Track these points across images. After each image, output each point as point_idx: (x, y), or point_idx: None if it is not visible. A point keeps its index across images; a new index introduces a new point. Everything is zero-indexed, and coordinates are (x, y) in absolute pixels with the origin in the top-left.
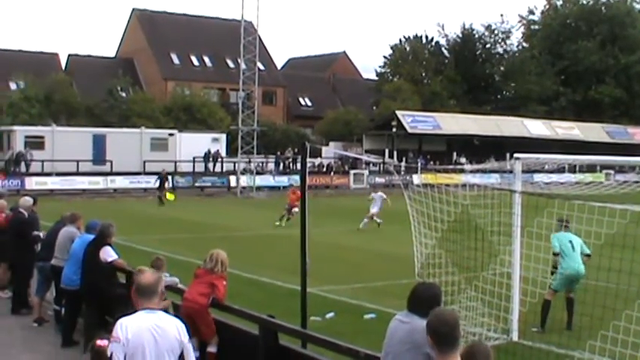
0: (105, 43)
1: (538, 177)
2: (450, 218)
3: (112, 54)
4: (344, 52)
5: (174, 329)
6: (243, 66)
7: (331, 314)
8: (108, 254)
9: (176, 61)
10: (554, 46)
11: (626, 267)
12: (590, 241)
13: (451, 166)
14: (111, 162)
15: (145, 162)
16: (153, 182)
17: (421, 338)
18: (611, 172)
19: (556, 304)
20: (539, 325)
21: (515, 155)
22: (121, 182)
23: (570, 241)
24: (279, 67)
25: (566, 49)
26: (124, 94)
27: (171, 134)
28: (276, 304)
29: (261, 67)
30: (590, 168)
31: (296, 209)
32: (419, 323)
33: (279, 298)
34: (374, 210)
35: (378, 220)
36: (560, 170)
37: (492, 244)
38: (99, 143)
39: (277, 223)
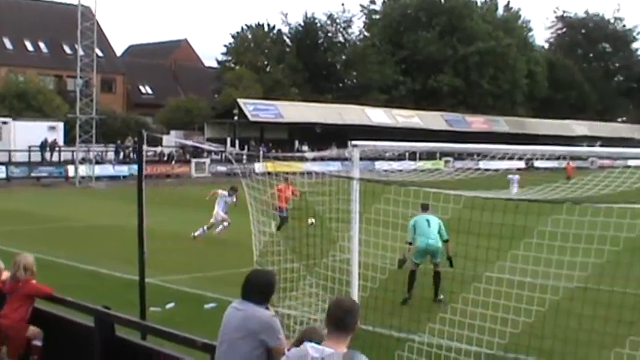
0: None
1: (379, 164)
2: (289, 206)
3: None
4: (185, 39)
5: None
6: (80, 52)
7: (171, 304)
8: None
9: (9, 46)
10: (394, 36)
11: (460, 251)
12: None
13: (291, 154)
14: None
15: None
16: None
17: (256, 325)
18: (450, 159)
19: (396, 288)
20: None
21: (353, 143)
22: None
23: (427, 220)
24: (118, 54)
25: (407, 38)
26: None
27: (4, 122)
28: (116, 296)
29: (100, 54)
30: (430, 155)
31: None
32: (253, 310)
33: (119, 290)
34: (221, 213)
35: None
36: (401, 157)
37: (331, 231)
38: None
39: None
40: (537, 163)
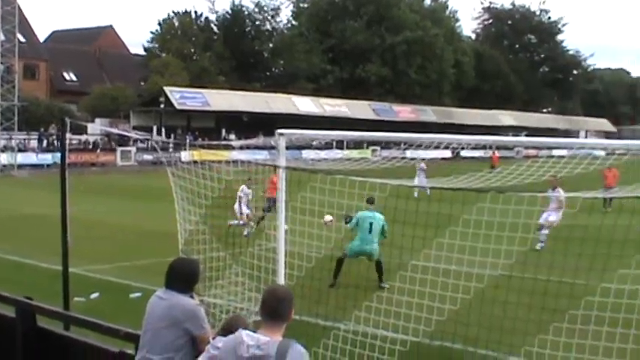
0: None
1: (306, 153)
2: (214, 194)
3: None
4: (111, 25)
5: None
6: (1, 37)
7: (96, 294)
8: None
9: None
10: (322, 25)
11: (387, 240)
12: (352, 213)
13: (218, 143)
14: None
15: None
16: None
17: (180, 314)
18: (377, 148)
19: (322, 276)
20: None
21: (279, 131)
22: None
23: (371, 223)
24: (41, 40)
25: (334, 27)
26: None
27: None
28: (41, 287)
29: (22, 39)
30: (357, 144)
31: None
32: (177, 299)
33: (44, 281)
34: (246, 210)
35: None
36: (328, 146)
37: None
38: None
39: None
40: (464, 153)
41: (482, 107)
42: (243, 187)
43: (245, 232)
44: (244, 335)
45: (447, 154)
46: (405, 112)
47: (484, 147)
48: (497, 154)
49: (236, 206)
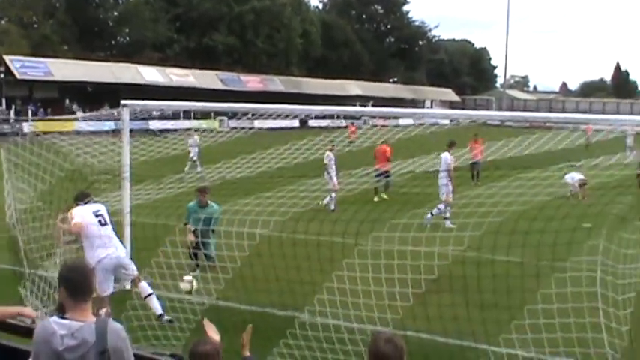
0: None
1: (153, 124)
2: (55, 168)
3: None
4: None
5: None
6: None
7: None
8: None
9: None
10: None
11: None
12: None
13: (61, 116)
14: None
15: None
16: None
17: None
18: (225, 118)
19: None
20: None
21: (123, 102)
22: None
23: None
24: None
25: None
26: None
27: None
28: None
29: None
30: (205, 115)
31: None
32: None
33: None
34: (335, 179)
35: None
36: (175, 117)
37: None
38: None
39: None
40: (312, 122)
41: (329, 77)
42: (328, 153)
43: (325, 201)
44: (54, 324)
45: (295, 123)
46: (252, 81)
47: (332, 117)
48: (354, 127)
49: (326, 176)
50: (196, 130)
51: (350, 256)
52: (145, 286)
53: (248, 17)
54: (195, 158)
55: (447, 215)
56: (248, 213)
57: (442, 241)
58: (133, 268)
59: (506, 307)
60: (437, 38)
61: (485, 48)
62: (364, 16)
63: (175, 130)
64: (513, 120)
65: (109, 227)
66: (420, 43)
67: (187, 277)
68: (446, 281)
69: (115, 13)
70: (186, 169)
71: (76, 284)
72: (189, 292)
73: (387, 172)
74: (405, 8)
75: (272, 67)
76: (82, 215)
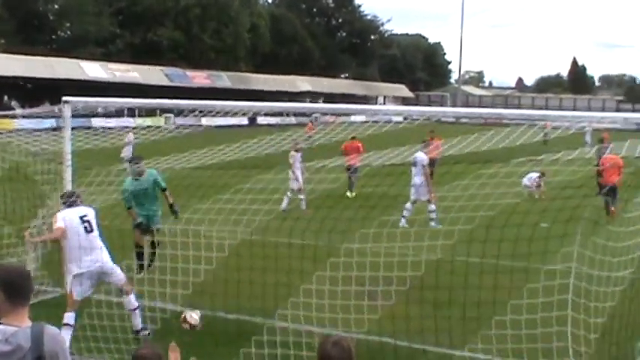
0: None
1: (96, 121)
2: None
3: None
4: None
5: None
6: None
7: None
8: None
9: None
10: None
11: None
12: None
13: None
14: None
15: None
16: None
17: None
18: (171, 115)
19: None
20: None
21: (65, 99)
22: None
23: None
24: None
25: None
26: None
27: None
28: None
29: None
30: (150, 112)
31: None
32: None
33: None
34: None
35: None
36: (119, 114)
37: (43, 194)
38: None
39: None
40: (260, 120)
41: (279, 73)
42: (293, 153)
43: (283, 206)
44: None
45: (244, 121)
46: (199, 77)
47: (281, 114)
48: (312, 124)
49: (291, 175)
50: (134, 128)
51: (322, 268)
52: (132, 300)
53: (194, 11)
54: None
55: (433, 216)
56: (213, 222)
57: (416, 250)
58: (118, 275)
59: (475, 317)
60: (389, 32)
61: (439, 43)
62: (314, 10)
63: (127, 127)
64: (468, 116)
65: (95, 233)
66: (372, 37)
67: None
68: (417, 291)
69: (56, 6)
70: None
71: (17, 288)
72: (193, 328)
73: (354, 166)
74: (357, 2)
75: (219, 62)
76: (68, 219)
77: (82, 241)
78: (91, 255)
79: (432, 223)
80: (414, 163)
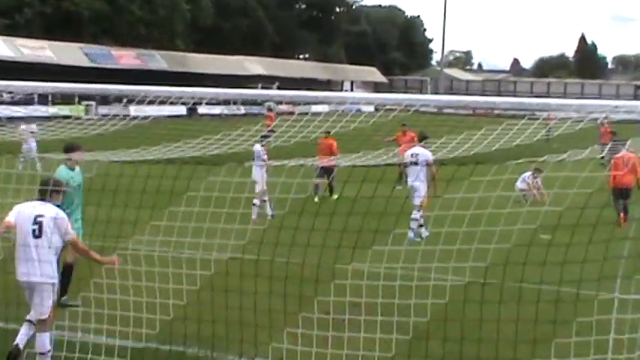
0: None
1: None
2: None
3: None
4: None
5: None
6: None
7: None
8: None
9: None
10: None
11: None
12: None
13: None
14: None
15: None
16: None
17: None
18: (92, 103)
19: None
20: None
21: None
22: None
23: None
24: None
25: None
26: None
27: None
28: None
29: None
30: (67, 98)
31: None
32: None
33: None
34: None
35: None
36: (29, 101)
37: None
38: None
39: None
40: (202, 109)
41: (224, 52)
42: (256, 145)
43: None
44: None
45: (182, 111)
46: (127, 57)
47: (228, 102)
48: (272, 113)
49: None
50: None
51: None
52: (44, 341)
53: None
54: (32, 156)
55: (414, 225)
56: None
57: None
58: (41, 307)
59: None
60: (358, 4)
61: (418, 16)
62: None
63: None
64: (453, 106)
65: (43, 241)
66: (337, 10)
67: None
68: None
69: None
70: (19, 167)
71: None
72: None
73: (330, 168)
74: None
75: (151, 39)
76: (20, 214)
77: (25, 244)
78: (24, 265)
79: (411, 234)
80: (415, 162)
